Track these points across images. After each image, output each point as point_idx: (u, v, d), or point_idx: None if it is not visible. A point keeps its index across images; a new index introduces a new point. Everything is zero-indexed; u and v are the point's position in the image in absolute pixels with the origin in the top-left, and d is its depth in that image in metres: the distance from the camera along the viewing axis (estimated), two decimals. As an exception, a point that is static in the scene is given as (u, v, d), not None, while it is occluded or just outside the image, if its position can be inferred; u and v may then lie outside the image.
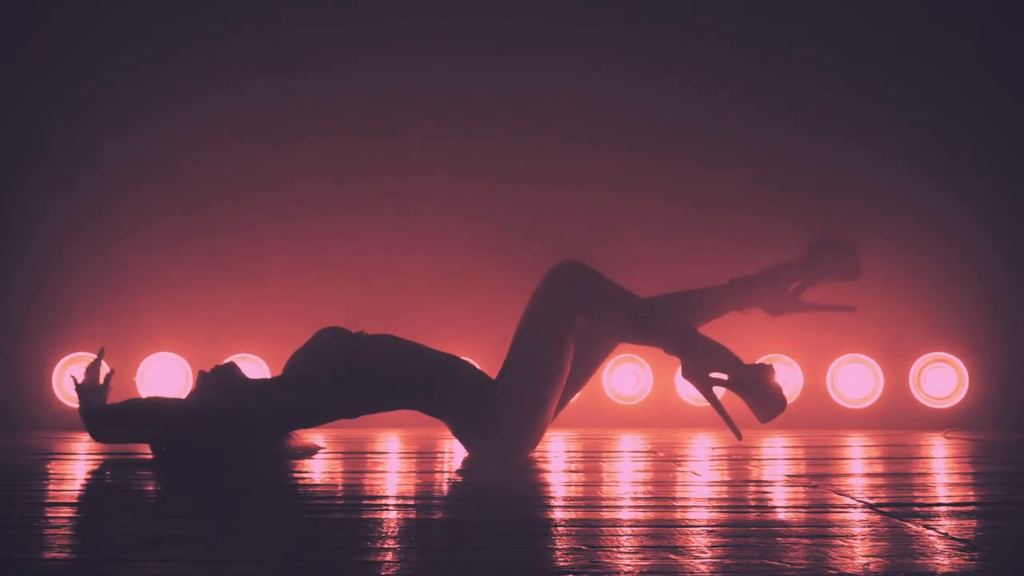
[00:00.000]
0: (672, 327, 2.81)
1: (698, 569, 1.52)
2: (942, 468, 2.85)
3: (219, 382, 2.89)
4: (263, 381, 2.96)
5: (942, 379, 4.28)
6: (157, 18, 4.48)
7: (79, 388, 2.99)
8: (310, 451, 3.01)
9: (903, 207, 4.44)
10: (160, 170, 4.44)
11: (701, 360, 2.76)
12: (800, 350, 4.27)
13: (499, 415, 2.85)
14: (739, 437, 2.80)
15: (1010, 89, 4.47)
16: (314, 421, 2.97)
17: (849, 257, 3.13)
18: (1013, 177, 4.44)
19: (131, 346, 4.32)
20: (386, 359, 2.90)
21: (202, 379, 2.90)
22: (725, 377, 2.76)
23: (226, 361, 3.00)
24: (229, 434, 2.88)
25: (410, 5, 4.51)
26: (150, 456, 2.97)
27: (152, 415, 2.91)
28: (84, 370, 3.05)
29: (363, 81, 4.50)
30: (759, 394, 2.74)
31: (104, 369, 3.07)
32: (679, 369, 3.10)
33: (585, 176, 4.45)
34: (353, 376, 2.86)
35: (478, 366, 3.22)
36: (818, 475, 2.65)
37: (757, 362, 2.79)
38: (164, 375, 4.23)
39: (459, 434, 2.94)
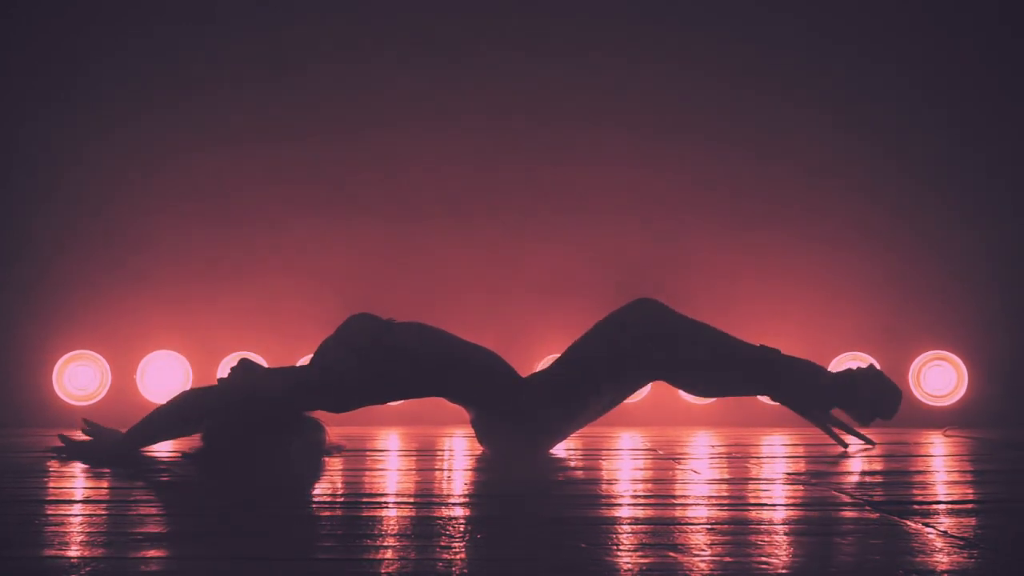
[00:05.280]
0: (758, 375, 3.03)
1: (697, 567, 1.52)
2: (941, 466, 2.85)
3: (242, 373, 2.87)
4: (293, 367, 2.94)
5: (941, 377, 4.28)
6: (158, 19, 4.48)
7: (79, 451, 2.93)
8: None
9: (904, 206, 4.43)
10: (158, 169, 4.43)
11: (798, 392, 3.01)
12: (800, 350, 4.26)
13: (543, 414, 2.89)
14: (872, 444, 3.15)
15: (1011, 90, 4.47)
16: (343, 406, 2.90)
17: (893, 402, 3.04)
18: (1014, 178, 4.44)
19: (131, 344, 4.31)
20: (418, 344, 2.90)
21: (222, 381, 2.88)
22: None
23: (238, 357, 2.97)
24: (264, 420, 2.82)
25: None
26: (150, 456, 2.97)
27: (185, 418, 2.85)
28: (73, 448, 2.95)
29: (364, 79, 4.50)
30: (859, 399, 2.99)
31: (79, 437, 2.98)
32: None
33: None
34: (385, 361, 2.85)
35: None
36: (817, 473, 2.65)
37: (844, 368, 3.00)
38: (164, 373, 4.22)
39: (478, 423, 2.96)
